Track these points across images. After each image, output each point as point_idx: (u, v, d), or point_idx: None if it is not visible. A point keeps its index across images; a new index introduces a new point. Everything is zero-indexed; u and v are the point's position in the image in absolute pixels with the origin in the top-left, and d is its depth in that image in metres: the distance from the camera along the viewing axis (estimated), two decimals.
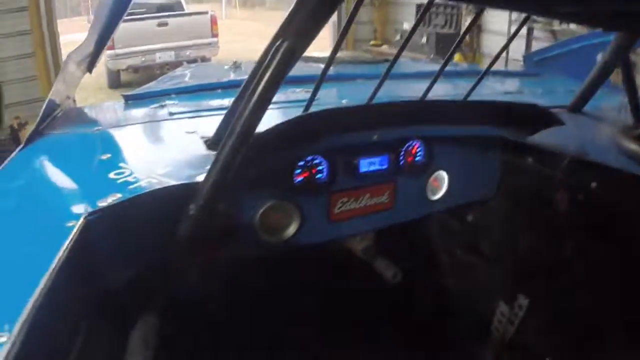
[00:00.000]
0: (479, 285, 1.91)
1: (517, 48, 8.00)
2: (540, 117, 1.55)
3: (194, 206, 1.08)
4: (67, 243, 0.91)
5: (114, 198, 1.08)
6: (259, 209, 1.35)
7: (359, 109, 1.43)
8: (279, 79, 0.97)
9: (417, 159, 1.60)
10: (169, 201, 1.11)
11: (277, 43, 0.96)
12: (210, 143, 1.38)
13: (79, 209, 1.05)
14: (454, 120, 1.52)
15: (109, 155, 1.36)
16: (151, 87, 2.34)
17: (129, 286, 1.12)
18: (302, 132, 1.28)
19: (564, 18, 1.47)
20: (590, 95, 1.94)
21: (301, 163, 1.40)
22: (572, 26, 6.59)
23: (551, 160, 1.63)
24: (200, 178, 1.12)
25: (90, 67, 1.80)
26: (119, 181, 1.17)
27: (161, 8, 10.16)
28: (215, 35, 10.02)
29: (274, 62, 0.95)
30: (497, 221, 1.87)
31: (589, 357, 1.59)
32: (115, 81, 9.84)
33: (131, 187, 1.14)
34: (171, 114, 1.76)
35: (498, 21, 8.11)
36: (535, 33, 7.90)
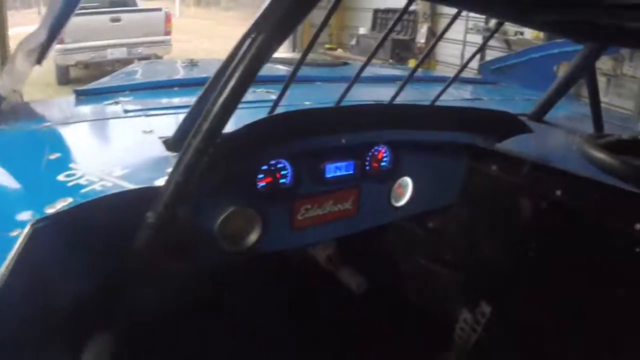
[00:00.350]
0: (442, 293, 1.90)
1: (468, 56, 8.20)
2: (511, 125, 1.55)
3: (153, 213, 0.99)
4: (11, 255, 0.82)
5: (64, 203, 0.97)
6: (219, 216, 1.27)
7: (328, 111, 1.37)
8: (252, 74, 0.90)
9: (383, 164, 1.57)
10: (126, 207, 1.01)
11: (252, 36, 0.89)
12: (170, 144, 1.28)
13: (24, 216, 0.93)
14: (423, 125, 1.49)
15: (58, 155, 1.24)
16: (104, 82, 2.22)
17: (80, 303, 1.01)
18: (269, 134, 1.21)
19: (538, 26, 1.47)
20: (552, 104, 1.97)
21: (265, 167, 1.34)
22: (527, 36, 6.81)
23: (516, 168, 1.63)
24: (160, 182, 1.03)
25: (40, 59, 1.67)
26: (69, 184, 1.06)
27: (114, 3, 9.87)
28: (168, 33, 9.82)
29: (248, 57, 0.88)
30: (459, 228, 1.86)
31: None
32: (64, 77, 9.49)
33: (83, 191, 1.03)
34: (126, 111, 1.65)
35: (453, 29, 8.27)
36: (490, 42, 8.09)
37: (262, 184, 1.35)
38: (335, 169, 1.44)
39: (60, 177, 1.09)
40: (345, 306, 1.87)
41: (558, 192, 1.53)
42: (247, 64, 0.88)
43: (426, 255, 1.94)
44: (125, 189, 1.04)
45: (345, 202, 1.51)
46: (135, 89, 1.99)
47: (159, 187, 1.01)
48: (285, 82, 1.29)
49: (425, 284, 1.94)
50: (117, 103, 1.76)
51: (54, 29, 1.60)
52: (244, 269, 1.45)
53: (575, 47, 3.54)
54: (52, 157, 1.22)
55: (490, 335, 1.77)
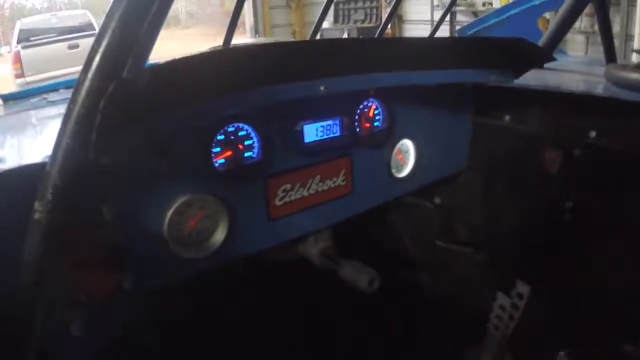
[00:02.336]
0: (467, 277, 1.60)
1: (440, 34, 8.05)
2: (530, 53, 1.25)
3: (40, 204, 0.66)
4: None
5: None
6: (166, 211, 0.94)
7: (299, 47, 1.04)
8: None
9: (376, 124, 1.28)
10: (3, 198, 0.72)
11: None
12: None
13: None
14: (422, 64, 1.17)
15: None
16: (38, 84, 2.17)
17: None
18: (215, 77, 0.84)
19: None
20: (560, 37, 1.69)
21: (220, 137, 1.01)
22: (497, 5, 6.60)
23: (537, 110, 1.37)
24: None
25: None
26: None
27: (72, 30, 9.55)
28: None
29: None
30: (474, 197, 1.58)
31: (611, 347, 1.30)
32: None
33: None
34: (50, 102, 1.50)
35: (419, 11, 8.14)
36: (458, 17, 7.94)
37: (219, 160, 1.02)
38: (317, 131, 1.13)
39: None
40: (354, 310, 1.54)
41: (592, 134, 1.26)
42: None
43: (441, 235, 1.65)
44: None
45: (336, 176, 1.21)
46: (68, 86, 1.77)
47: (44, 164, 0.67)
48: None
49: (446, 269, 1.65)
50: (44, 99, 1.63)
51: None
52: (210, 281, 1.10)
53: None
54: None
55: (532, 320, 1.49)
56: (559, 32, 1.69)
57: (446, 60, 1.22)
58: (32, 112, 1.43)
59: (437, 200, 1.64)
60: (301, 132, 1.10)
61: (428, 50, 1.20)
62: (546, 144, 1.38)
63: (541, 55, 1.33)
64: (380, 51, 1.12)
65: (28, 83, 8.39)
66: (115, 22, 0.61)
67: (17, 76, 8.37)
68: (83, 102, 0.62)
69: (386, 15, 6.84)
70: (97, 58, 0.61)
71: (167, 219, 0.94)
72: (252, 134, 1.05)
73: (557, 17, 1.69)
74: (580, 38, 6.29)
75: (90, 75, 0.62)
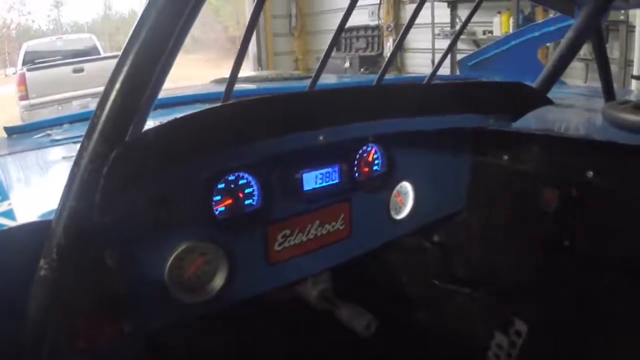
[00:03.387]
0: (465, 316, 1.59)
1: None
2: (528, 97, 1.26)
3: (46, 261, 0.68)
4: None
5: None
6: (167, 257, 0.95)
7: (298, 98, 1.06)
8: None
9: (375, 168, 1.29)
10: (8, 256, 0.72)
11: None
12: None
13: None
14: (420, 110, 1.19)
15: None
16: (42, 117, 2.14)
17: None
18: (215, 133, 0.88)
19: None
20: (557, 76, 1.68)
21: (221, 186, 1.02)
22: (497, 33, 6.64)
23: (535, 151, 1.38)
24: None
25: None
26: None
27: (77, 54, 9.64)
28: None
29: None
30: (472, 237, 1.58)
31: None
32: None
33: None
34: (54, 141, 1.48)
35: (420, 39, 8.15)
36: (458, 45, 7.95)
37: (220, 208, 1.03)
38: (315, 179, 1.13)
39: None
40: (353, 353, 1.53)
41: (590, 174, 1.27)
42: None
43: (439, 274, 1.64)
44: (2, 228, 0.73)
45: (335, 221, 1.22)
46: (72, 121, 1.78)
47: (49, 222, 0.69)
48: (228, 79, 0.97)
49: (444, 308, 1.64)
50: (48, 135, 1.62)
51: None
52: (209, 325, 1.11)
53: (557, 25, 3.33)
54: None
55: (529, 358, 1.47)
56: (556, 72, 1.71)
57: (445, 106, 1.24)
58: (37, 153, 1.43)
59: (435, 238, 1.64)
60: (300, 180, 1.11)
61: (427, 97, 1.22)
62: (544, 183, 1.39)
63: (539, 100, 1.35)
64: (380, 99, 1.14)
65: (32, 105, 8.38)
66: (117, 90, 0.63)
67: (21, 98, 8.37)
68: (86, 166, 0.64)
69: (387, 43, 6.88)
70: (100, 124, 0.64)
71: (167, 265, 0.95)
72: (252, 182, 1.06)
73: (553, 57, 1.69)
74: (580, 65, 6.30)
75: (93, 140, 0.64)
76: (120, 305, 0.90)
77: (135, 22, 0.64)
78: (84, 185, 0.65)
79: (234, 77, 0.93)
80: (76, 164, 0.66)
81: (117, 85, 0.63)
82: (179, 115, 0.78)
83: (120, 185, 0.67)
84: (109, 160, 0.64)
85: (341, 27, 1.05)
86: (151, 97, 0.66)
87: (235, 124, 0.89)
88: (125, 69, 0.64)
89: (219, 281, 1.03)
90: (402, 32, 1.24)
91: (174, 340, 1.21)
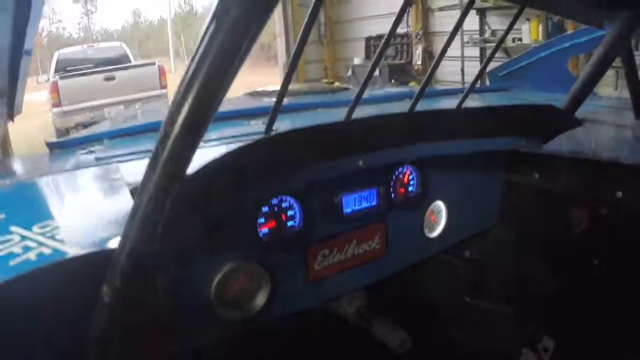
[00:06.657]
0: (496, 332, 1.60)
1: (470, 70, 8.00)
2: (558, 120, 1.28)
3: (108, 289, 0.73)
4: None
5: None
6: (214, 277, 1.00)
7: (338, 127, 1.11)
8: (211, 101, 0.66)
9: (411, 189, 1.32)
10: (70, 283, 0.75)
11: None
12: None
13: None
14: (454, 134, 1.22)
15: (2, 216, 1.00)
16: (83, 133, 2.12)
17: None
18: (262, 163, 0.94)
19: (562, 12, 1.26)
20: (586, 94, 1.69)
21: (265, 209, 1.08)
22: (526, 41, 6.59)
23: (564, 171, 1.39)
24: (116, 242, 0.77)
25: (10, 115, 1.56)
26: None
27: (108, 62, 9.84)
28: (164, 86, 9.66)
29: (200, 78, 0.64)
30: (502, 253, 1.60)
31: None
32: None
33: (13, 262, 0.77)
34: (98, 159, 1.49)
35: (450, 47, 8.08)
36: (488, 53, 7.88)
37: (264, 230, 1.08)
38: (354, 201, 1.18)
39: None
40: None
41: (619, 194, 1.29)
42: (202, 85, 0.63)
43: (470, 291, 1.66)
44: (66, 257, 0.77)
45: (371, 240, 1.25)
46: (113, 137, 1.82)
47: (112, 251, 0.74)
48: (273, 108, 1.02)
49: (475, 324, 1.66)
50: (90, 152, 1.63)
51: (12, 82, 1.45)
52: (247, 341, 1.16)
53: (587, 36, 3.30)
54: None
55: None
56: (585, 91, 1.70)
57: (478, 130, 1.27)
58: (82, 173, 1.44)
59: (467, 253, 1.66)
60: (340, 203, 1.16)
61: (460, 121, 1.25)
62: (574, 202, 1.40)
63: (568, 122, 1.38)
64: (415, 125, 1.19)
65: (65, 112, 8.63)
66: (178, 128, 0.67)
67: (55, 105, 8.56)
68: (150, 199, 0.69)
69: (417, 51, 6.83)
70: (162, 161, 0.68)
71: (214, 284, 1.00)
72: (295, 205, 1.11)
73: (582, 75, 1.69)
74: (610, 72, 6.20)
75: (156, 174, 0.68)
76: (167, 325, 0.95)
77: (194, 61, 0.67)
78: (147, 217, 0.69)
79: (278, 104, 0.99)
80: (139, 196, 0.70)
81: (178, 125, 0.67)
82: (224, 146, 0.83)
83: (180, 217, 0.72)
84: (171, 194, 0.69)
85: (390, 34, 1.15)
86: (204, 132, 0.71)
87: (280, 154, 0.95)
88: (184, 110, 0.67)
89: (261, 299, 1.07)
90: (445, 45, 1.29)
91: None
